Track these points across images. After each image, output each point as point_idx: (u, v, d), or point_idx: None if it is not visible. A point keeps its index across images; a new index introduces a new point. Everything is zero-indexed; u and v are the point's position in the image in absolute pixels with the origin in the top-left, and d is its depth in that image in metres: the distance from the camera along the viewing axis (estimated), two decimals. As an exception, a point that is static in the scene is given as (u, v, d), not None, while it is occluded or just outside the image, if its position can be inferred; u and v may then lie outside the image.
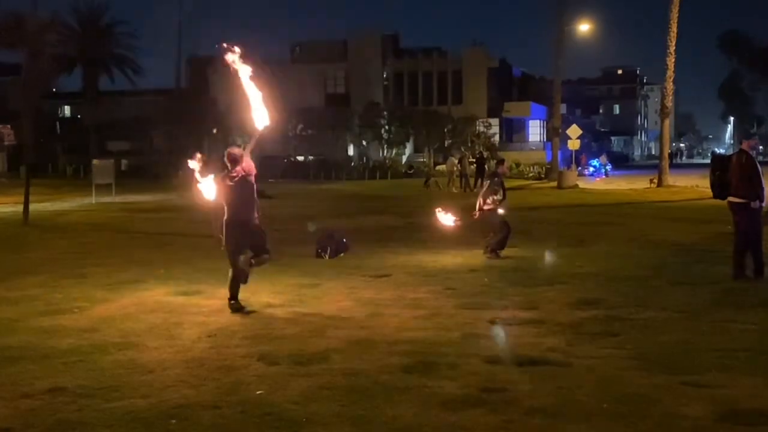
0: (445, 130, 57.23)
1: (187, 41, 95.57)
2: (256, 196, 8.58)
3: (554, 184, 37.36)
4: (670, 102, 36.70)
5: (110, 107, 58.06)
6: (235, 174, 8.36)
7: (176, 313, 8.58)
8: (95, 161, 34.84)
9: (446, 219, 13.64)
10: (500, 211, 12.90)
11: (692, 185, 32.71)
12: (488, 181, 13.22)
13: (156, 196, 31.59)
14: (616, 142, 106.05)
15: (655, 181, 35.26)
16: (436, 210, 14.03)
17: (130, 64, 58.61)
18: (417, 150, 60.74)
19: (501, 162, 13.80)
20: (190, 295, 9.52)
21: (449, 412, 5.24)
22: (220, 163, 8.55)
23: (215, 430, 4.99)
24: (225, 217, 8.44)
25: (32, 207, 20.09)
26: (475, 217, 13.07)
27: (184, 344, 7.12)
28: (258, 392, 5.73)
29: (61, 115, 68.00)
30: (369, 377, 6.04)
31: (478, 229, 13.87)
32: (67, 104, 68.66)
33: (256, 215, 8.53)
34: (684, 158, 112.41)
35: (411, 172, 51.27)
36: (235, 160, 8.40)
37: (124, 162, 52.38)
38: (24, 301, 9.36)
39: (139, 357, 6.74)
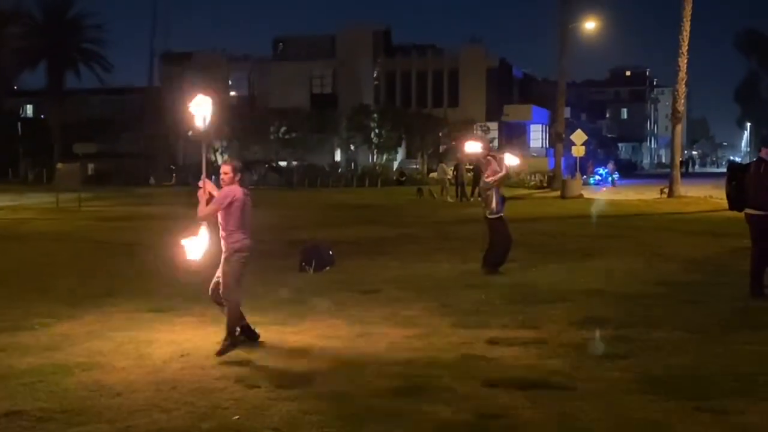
0: (440, 134, 57.34)
1: (161, 36, 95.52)
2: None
3: (557, 193, 37.46)
4: (682, 106, 36.85)
5: (77, 106, 57.96)
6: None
7: (146, 330, 8.53)
8: (60, 165, 34.74)
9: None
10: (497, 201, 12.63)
11: (706, 196, 32.86)
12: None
13: (126, 203, 31.50)
14: (624, 149, 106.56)
15: (666, 191, 35.39)
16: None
17: (98, 60, 58.49)
18: (410, 155, 60.83)
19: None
20: (161, 312, 9.48)
21: (443, 440, 5.21)
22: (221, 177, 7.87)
23: (188, 458, 4.95)
24: (242, 242, 7.76)
25: (-10, 214, 19.99)
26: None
27: (154, 364, 7.08)
28: (235, 418, 5.70)
29: (23, 115, 67.78)
30: (357, 401, 6.02)
31: (478, 241, 13.87)
32: (29, 103, 68.47)
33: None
34: (697, 166, 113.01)
35: (403, 179, 51.33)
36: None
37: (91, 166, 52.23)
38: (-20, 317, 9.28)
39: (105, 378, 6.70)
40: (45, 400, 6.08)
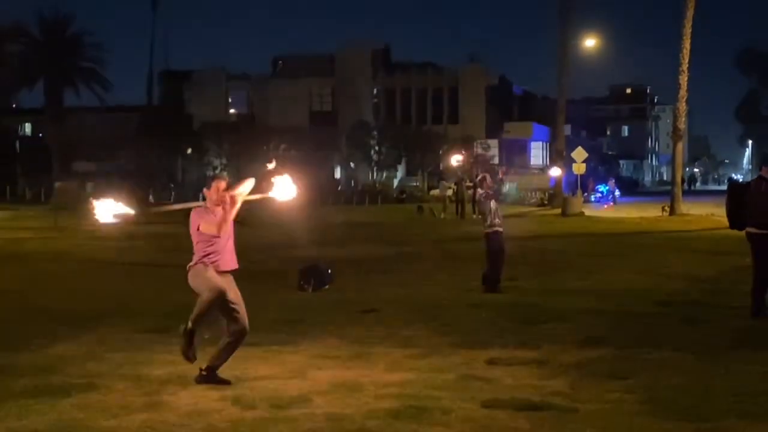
0: (441, 151, 57.46)
1: (160, 54, 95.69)
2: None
3: (558, 211, 37.48)
4: (683, 124, 36.93)
5: (75, 125, 58.11)
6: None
7: (143, 351, 8.51)
8: (58, 183, 34.85)
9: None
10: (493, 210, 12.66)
11: (707, 214, 32.85)
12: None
13: (125, 222, 31.43)
14: (624, 167, 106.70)
15: (668, 209, 35.39)
16: None
17: (97, 79, 58.69)
18: (410, 173, 60.95)
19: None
20: (159, 332, 9.45)
21: (442, 463, 5.19)
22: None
23: (184, 481, 4.93)
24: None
25: (-12, 233, 19.99)
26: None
27: (152, 386, 7.05)
28: (232, 439, 5.67)
29: (21, 133, 68.00)
30: (354, 423, 6.00)
31: (478, 260, 13.86)
32: (28, 121, 68.68)
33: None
34: (698, 184, 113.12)
35: (403, 196, 51.39)
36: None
37: (90, 184, 52.33)
38: (-24, 337, 9.26)
39: (102, 400, 6.67)
40: (40, 422, 6.04)
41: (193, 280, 7.14)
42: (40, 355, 8.32)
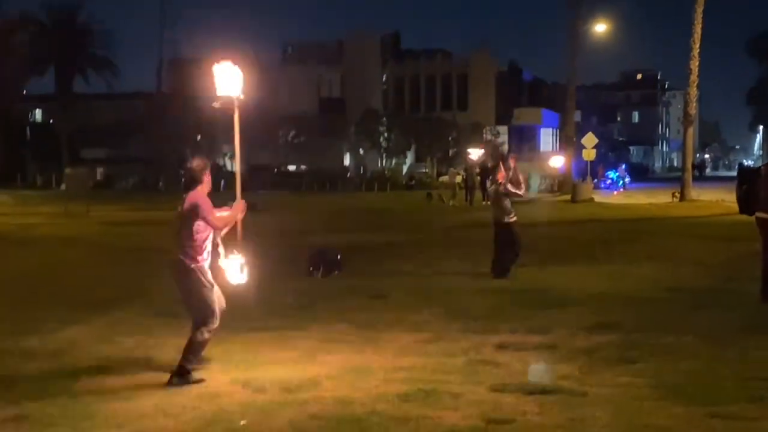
0: (450, 138, 57.36)
1: (169, 41, 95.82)
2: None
3: (568, 197, 37.41)
4: (693, 109, 36.77)
5: (85, 112, 58.17)
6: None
7: (154, 335, 8.55)
8: (68, 170, 34.91)
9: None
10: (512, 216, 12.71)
11: (718, 199, 32.72)
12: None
13: (134, 208, 31.58)
14: (635, 153, 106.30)
15: (678, 194, 35.29)
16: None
17: (107, 66, 58.75)
18: (419, 160, 60.86)
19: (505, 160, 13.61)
20: (169, 317, 9.48)
21: (451, 445, 5.20)
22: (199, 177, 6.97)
23: (195, 463, 4.96)
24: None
25: (-1, 219, 20.10)
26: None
27: (162, 369, 7.08)
28: (242, 422, 5.70)
29: (31, 120, 68.08)
30: (364, 406, 6.02)
31: (487, 246, 13.85)
32: (38, 108, 68.77)
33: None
34: (709, 170, 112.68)
35: (412, 183, 51.35)
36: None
37: (99, 171, 52.48)
38: (-12, 322, 9.32)
39: (112, 383, 6.71)
40: (51, 404, 6.09)
41: (189, 283, 6.76)
42: (52, 339, 8.38)
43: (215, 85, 7.84)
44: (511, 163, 13.44)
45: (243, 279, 7.29)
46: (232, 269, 7.20)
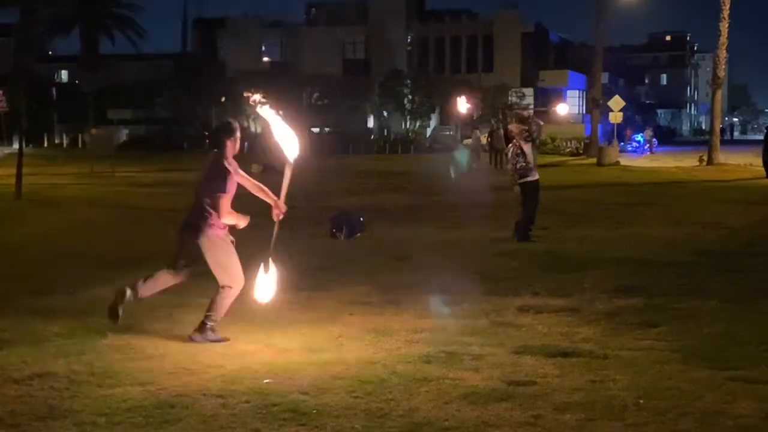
0: (475, 100, 56.96)
1: (195, 1, 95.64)
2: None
3: (593, 160, 37.19)
4: (722, 72, 36.30)
5: (111, 72, 58.26)
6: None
7: (179, 294, 8.61)
8: (94, 130, 35.13)
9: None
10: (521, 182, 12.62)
11: (746, 164, 32.41)
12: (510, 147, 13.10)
13: (159, 169, 31.76)
14: (662, 116, 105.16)
15: (705, 158, 34.98)
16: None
17: (132, 26, 58.78)
18: (443, 122, 60.56)
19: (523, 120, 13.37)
20: (194, 276, 9.55)
21: (471, 406, 5.25)
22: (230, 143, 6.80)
23: (218, 420, 5.03)
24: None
25: (25, 180, 20.27)
26: (516, 190, 12.82)
27: (185, 328, 7.16)
28: (265, 381, 5.77)
29: (57, 81, 68.38)
30: (385, 367, 6.07)
31: (510, 209, 13.82)
32: (63, 68, 69.05)
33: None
34: (737, 134, 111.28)
35: (436, 146, 51.16)
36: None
37: (125, 132, 52.65)
38: (15, 280, 9.46)
39: (137, 342, 6.80)
40: (78, 362, 6.19)
41: (211, 248, 6.77)
42: (76, 298, 8.50)
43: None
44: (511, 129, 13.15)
45: (269, 297, 7.09)
46: (263, 285, 7.02)
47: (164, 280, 7.06)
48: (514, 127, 12.91)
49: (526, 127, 12.83)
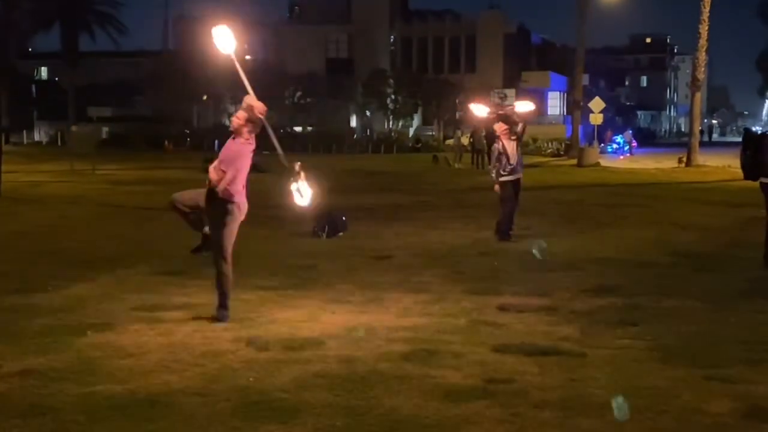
0: (457, 100, 57.08)
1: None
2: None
3: (574, 161, 37.34)
4: (702, 74, 36.52)
5: (91, 69, 57.98)
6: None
7: (159, 293, 8.62)
8: (74, 128, 34.92)
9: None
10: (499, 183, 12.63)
11: (724, 165, 32.64)
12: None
13: (140, 167, 31.61)
14: (642, 117, 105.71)
15: (684, 160, 35.19)
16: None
17: (113, 23, 58.46)
18: (426, 122, 60.62)
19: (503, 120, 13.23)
20: (175, 275, 9.56)
21: (452, 404, 5.27)
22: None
23: (199, 419, 5.03)
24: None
25: (4, 177, 20.11)
26: (496, 190, 12.82)
27: (166, 327, 7.15)
28: (250, 379, 5.76)
29: (37, 77, 67.92)
30: (366, 365, 6.08)
31: (492, 209, 13.88)
32: (44, 65, 68.56)
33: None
34: (716, 135, 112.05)
35: (419, 146, 51.22)
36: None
37: (105, 129, 52.35)
38: (-6, 278, 9.40)
39: (117, 339, 6.78)
40: (57, 360, 6.16)
41: (224, 216, 7.30)
42: (57, 296, 8.45)
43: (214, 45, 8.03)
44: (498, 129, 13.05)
45: (306, 202, 8.02)
46: (300, 193, 7.94)
47: None
48: (497, 126, 12.90)
49: (509, 126, 12.83)
